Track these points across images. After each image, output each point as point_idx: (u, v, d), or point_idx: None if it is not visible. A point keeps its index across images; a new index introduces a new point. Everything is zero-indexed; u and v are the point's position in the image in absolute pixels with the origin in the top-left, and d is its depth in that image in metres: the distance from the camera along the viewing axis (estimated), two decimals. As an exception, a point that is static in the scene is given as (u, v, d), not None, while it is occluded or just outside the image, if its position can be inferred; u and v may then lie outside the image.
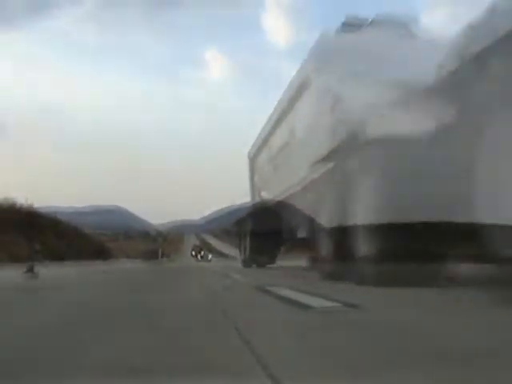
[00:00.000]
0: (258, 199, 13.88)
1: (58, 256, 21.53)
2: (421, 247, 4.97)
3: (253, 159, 14.82)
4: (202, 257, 61.24)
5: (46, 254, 20.23)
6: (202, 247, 71.67)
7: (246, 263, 15.06)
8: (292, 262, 14.01)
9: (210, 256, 62.85)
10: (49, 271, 12.28)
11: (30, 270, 10.55)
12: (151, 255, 49.54)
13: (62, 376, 1.69)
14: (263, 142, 12.83)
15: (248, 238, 14.48)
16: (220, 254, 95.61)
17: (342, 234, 6.10)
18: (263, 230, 12.51)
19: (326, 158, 6.76)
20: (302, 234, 8.94)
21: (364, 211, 5.69)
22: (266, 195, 12.59)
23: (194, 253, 64.38)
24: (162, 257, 53.32)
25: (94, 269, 15.36)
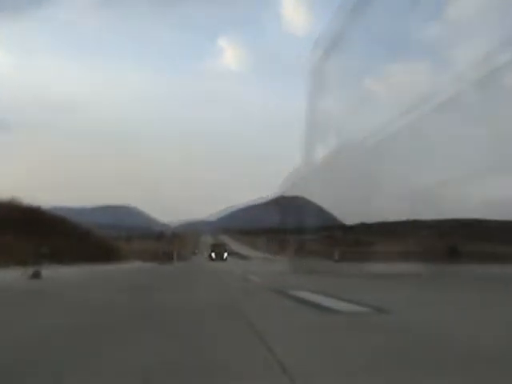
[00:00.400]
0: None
1: (67, 258, 21.60)
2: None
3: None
4: (221, 257, 61.62)
5: (55, 256, 20.29)
6: (225, 246, 71.79)
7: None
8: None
9: (225, 254, 63.83)
10: (56, 275, 12.20)
11: (37, 274, 10.45)
12: (166, 257, 49.72)
13: None
14: None
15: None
16: (237, 255, 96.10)
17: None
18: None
19: None
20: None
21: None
22: None
23: (213, 254, 62.95)
24: (177, 259, 53.56)
25: (105, 274, 15.29)
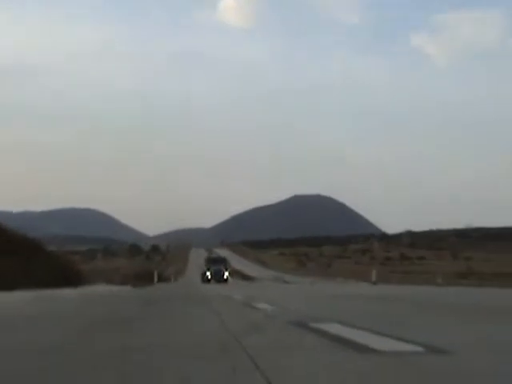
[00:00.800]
0: None
1: (5, 282, 21.39)
2: None
3: None
4: (220, 277, 58.99)
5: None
6: (225, 262, 66.68)
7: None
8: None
9: (226, 274, 61.92)
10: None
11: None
12: (143, 279, 49.65)
13: None
14: None
15: None
16: (240, 275, 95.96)
17: None
18: None
19: None
20: None
21: None
22: None
23: (209, 273, 59.57)
24: (158, 281, 53.49)
25: (58, 304, 15.12)
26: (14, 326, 7.26)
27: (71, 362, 3.79)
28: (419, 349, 3.86)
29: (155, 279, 52.24)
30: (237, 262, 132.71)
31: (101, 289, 30.57)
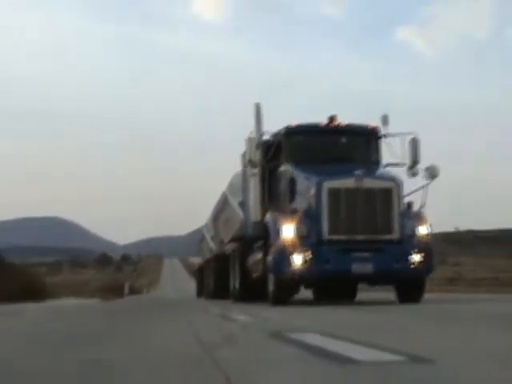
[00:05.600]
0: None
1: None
2: None
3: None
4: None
5: None
6: None
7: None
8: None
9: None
10: None
11: None
12: (113, 292, 49.31)
13: None
14: None
15: None
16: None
17: None
18: None
19: None
20: None
21: None
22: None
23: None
24: (130, 293, 53.18)
25: (20, 320, 15.03)
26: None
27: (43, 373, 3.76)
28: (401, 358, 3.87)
29: (126, 291, 51.94)
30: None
31: (68, 303, 30.34)
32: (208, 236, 28.28)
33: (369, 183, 12.70)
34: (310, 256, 12.26)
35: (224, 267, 20.35)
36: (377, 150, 14.87)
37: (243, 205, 17.18)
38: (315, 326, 7.38)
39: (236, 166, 18.71)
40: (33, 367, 4.37)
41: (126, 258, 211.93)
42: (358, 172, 12.78)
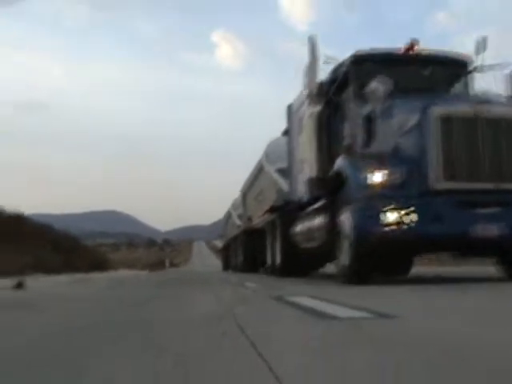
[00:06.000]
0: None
1: (52, 268, 21.58)
2: None
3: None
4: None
5: (39, 266, 20.30)
6: None
7: None
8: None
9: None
10: (41, 285, 12.24)
11: (20, 285, 10.50)
12: (158, 266, 49.83)
13: None
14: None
15: None
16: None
17: None
18: None
19: None
20: None
21: None
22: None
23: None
24: (169, 266, 53.59)
25: (94, 283, 15.28)
26: (66, 299, 7.59)
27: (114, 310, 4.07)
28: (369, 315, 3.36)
29: (167, 265, 52.56)
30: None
31: (125, 273, 30.62)
32: (235, 214, 24.42)
33: (494, 110, 7.00)
34: (411, 213, 6.70)
35: (253, 241, 16.58)
36: (467, 85, 8.95)
37: (286, 170, 12.40)
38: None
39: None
40: (102, 318, 4.67)
41: (166, 241, 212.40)
42: (475, 95, 8.04)
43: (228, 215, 28.44)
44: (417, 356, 2.11)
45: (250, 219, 18.57)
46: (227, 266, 27.52)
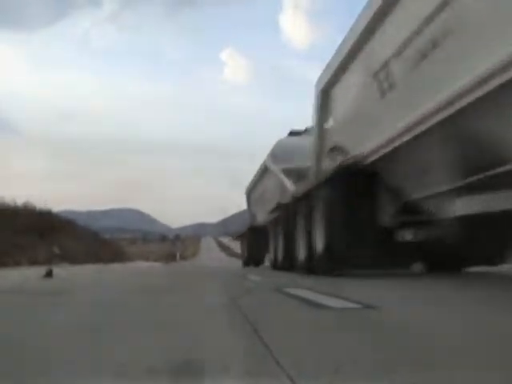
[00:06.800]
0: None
1: (76, 259, 21.70)
2: None
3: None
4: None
5: (65, 256, 20.43)
6: None
7: None
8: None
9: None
10: (67, 273, 12.34)
11: (49, 273, 10.60)
12: (170, 258, 49.96)
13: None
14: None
15: None
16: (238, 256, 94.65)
17: None
18: None
19: None
20: None
21: None
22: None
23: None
24: (180, 259, 53.75)
25: (114, 273, 15.35)
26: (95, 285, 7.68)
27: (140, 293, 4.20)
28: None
29: (178, 258, 52.79)
30: (235, 246, 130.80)
31: (141, 264, 30.72)
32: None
33: None
34: None
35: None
36: None
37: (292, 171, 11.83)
38: None
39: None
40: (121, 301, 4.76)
41: (177, 237, 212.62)
42: None
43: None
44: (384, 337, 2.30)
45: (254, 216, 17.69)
46: (248, 261, 18.67)
